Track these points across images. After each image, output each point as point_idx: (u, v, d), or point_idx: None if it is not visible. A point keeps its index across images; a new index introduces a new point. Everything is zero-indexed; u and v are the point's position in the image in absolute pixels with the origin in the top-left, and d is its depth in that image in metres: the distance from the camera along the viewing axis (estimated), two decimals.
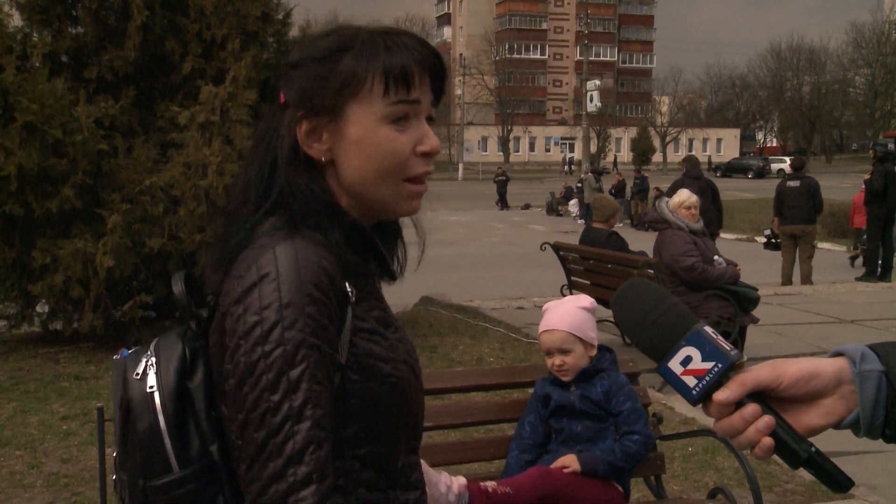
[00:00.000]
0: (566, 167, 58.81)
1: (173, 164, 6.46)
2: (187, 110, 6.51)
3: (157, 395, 1.08)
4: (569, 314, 2.69)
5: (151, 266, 6.47)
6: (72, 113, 6.33)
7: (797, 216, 11.34)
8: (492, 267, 14.18)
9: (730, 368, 0.93)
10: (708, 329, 0.95)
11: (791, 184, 11.44)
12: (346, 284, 1.08)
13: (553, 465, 2.55)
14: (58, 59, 6.88)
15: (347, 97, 1.11)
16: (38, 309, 6.99)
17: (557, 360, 2.67)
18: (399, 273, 1.28)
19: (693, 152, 75.60)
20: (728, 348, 0.93)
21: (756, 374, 0.94)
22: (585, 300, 2.76)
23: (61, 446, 4.61)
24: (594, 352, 2.71)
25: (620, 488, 2.63)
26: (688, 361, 0.94)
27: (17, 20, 6.97)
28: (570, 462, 2.54)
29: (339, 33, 1.15)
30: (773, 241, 11.35)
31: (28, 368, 6.36)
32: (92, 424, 4.85)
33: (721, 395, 0.92)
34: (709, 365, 0.93)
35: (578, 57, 72.48)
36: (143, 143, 6.64)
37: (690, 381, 0.93)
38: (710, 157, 58.75)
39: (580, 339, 2.67)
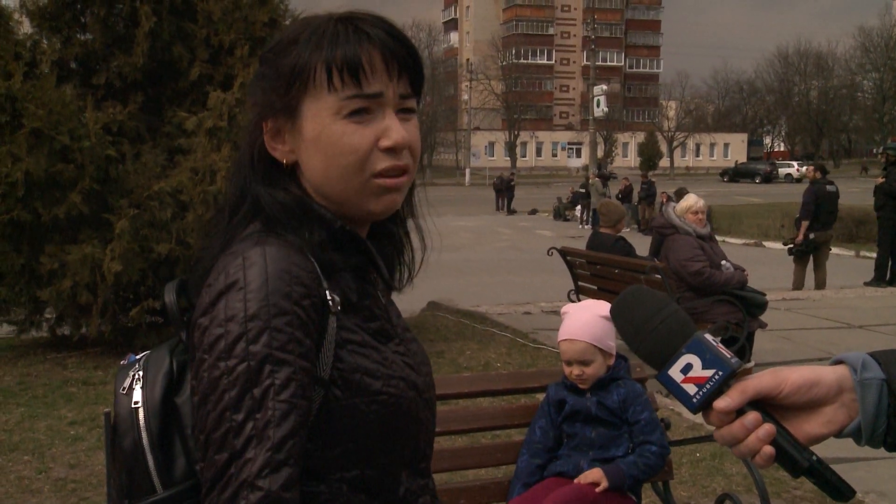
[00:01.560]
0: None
1: (181, 170, 6.48)
2: (195, 116, 6.54)
3: (141, 412, 1.03)
4: (590, 324, 2.66)
5: (159, 271, 6.48)
6: (80, 119, 6.36)
7: (831, 221, 11.27)
8: (499, 272, 14.16)
9: (731, 376, 0.92)
10: (708, 336, 0.94)
11: (830, 188, 11.25)
12: (328, 293, 1.01)
13: (581, 481, 2.53)
14: (66, 66, 6.92)
15: (299, 93, 1.05)
16: (46, 314, 7.02)
17: (577, 370, 2.65)
18: (402, 283, 1.22)
19: (700, 157, 75.89)
20: (728, 356, 0.93)
21: (757, 382, 0.93)
22: (605, 308, 2.72)
23: (69, 451, 4.62)
24: (612, 361, 2.69)
25: (634, 497, 2.62)
26: (688, 369, 0.93)
27: (26, 27, 7.02)
28: (598, 478, 2.51)
29: (301, 23, 1.09)
30: (805, 247, 11.04)
31: (36, 374, 6.38)
32: (99, 430, 4.86)
33: (721, 403, 0.91)
34: (709, 373, 0.92)
35: (585, 62, 72.32)
36: (151, 148, 6.67)
37: (691, 388, 0.92)
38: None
39: (601, 349, 2.65)
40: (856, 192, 26.20)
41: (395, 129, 1.06)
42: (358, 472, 1.03)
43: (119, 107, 6.61)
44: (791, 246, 11.31)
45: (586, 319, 2.67)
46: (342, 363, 1.01)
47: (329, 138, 1.05)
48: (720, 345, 0.94)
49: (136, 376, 1.06)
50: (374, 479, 1.05)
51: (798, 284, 11.37)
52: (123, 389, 1.05)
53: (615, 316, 1.01)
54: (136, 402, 1.03)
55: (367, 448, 1.04)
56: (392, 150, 1.06)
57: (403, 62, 1.07)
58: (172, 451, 1.03)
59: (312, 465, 1.00)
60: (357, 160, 1.05)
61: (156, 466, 1.02)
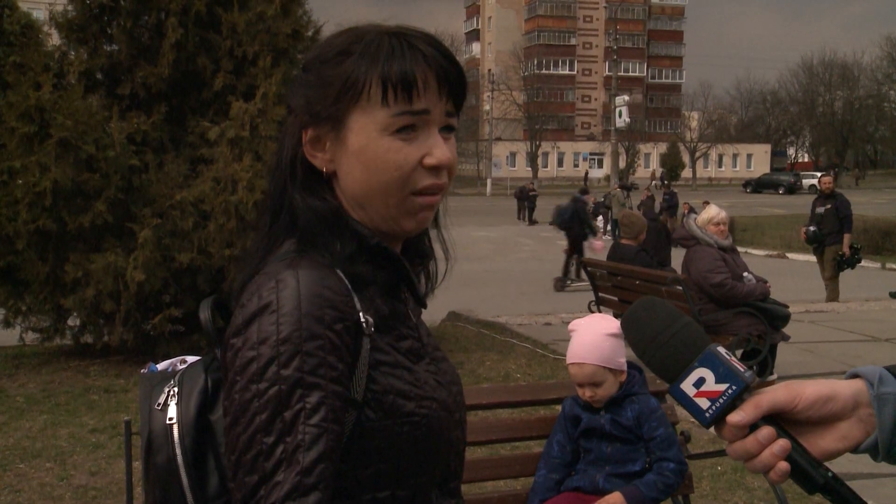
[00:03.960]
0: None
1: (203, 180, 6.54)
2: (217, 126, 6.61)
3: (175, 428, 1.04)
4: (597, 345, 2.61)
5: (181, 280, 6.54)
6: (105, 129, 6.44)
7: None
8: (519, 283, 14.13)
9: (744, 390, 0.90)
10: (721, 350, 0.92)
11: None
12: (361, 315, 1.01)
13: None
14: (93, 77, 7.01)
15: (348, 105, 1.05)
16: (70, 322, 7.10)
17: (588, 391, 2.62)
18: (429, 296, 1.22)
19: (723, 168, 75.35)
20: (742, 370, 0.91)
21: (771, 397, 0.91)
22: (612, 324, 2.68)
23: (90, 459, 4.66)
24: (624, 377, 2.65)
25: None
26: (701, 383, 0.91)
27: (55, 39, 7.13)
28: (618, 502, 2.49)
29: (350, 33, 1.09)
30: (855, 256, 10.84)
31: (59, 381, 6.45)
32: (121, 438, 4.90)
33: (735, 418, 0.90)
34: (722, 387, 0.90)
35: (607, 72, 72.14)
36: (174, 158, 6.74)
37: (703, 403, 0.91)
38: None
39: (610, 369, 2.62)
40: (882, 204, 25.88)
41: (440, 148, 1.06)
42: (389, 493, 1.03)
43: (143, 117, 6.69)
44: (843, 259, 10.96)
45: (592, 340, 2.62)
46: (375, 385, 1.01)
47: (374, 153, 1.05)
48: (734, 358, 0.92)
49: (171, 392, 1.07)
50: (406, 499, 1.05)
51: (835, 296, 11.16)
52: (158, 405, 1.06)
53: (626, 328, 0.99)
54: (170, 419, 1.05)
55: (399, 468, 1.04)
56: (435, 169, 1.07)
57: (452, 81, 1.08)
58: (206, 469, 1.04)
59: (344, 486, 1.00)
60: (400, 177, 1.05)
61: (189, 484, 1.03)
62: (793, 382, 0.93)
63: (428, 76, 1.06)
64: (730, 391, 0.90)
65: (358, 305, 1.01)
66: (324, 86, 1.07)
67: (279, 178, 1.11)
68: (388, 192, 1.06)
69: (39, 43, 6.71)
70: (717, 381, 0.91)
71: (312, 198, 1.07)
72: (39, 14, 7.20)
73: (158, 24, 6.83)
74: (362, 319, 1.01)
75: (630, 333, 0.99)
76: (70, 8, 7.06)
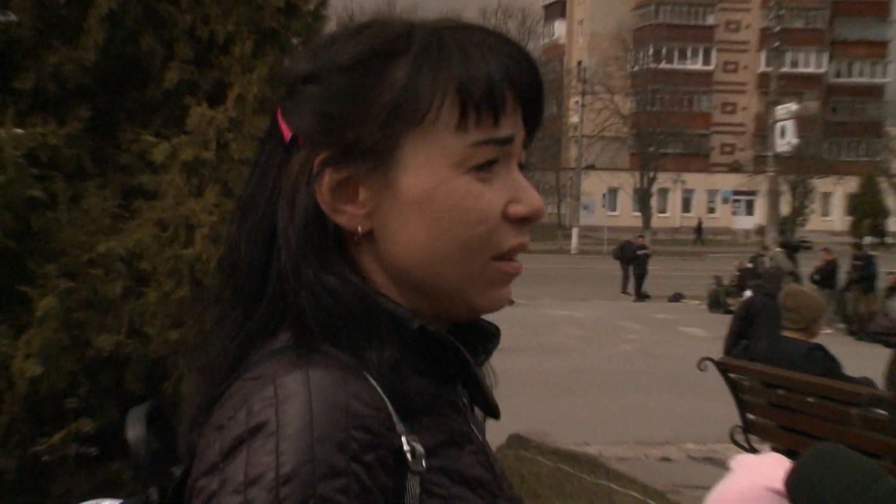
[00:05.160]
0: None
1: (141, 223, 6.58)
2: (167, 142, 6.66)
3: None
4: None
5: (98, 376, 6.55)
6: None
7: None
8: (620, 391, 14.08)
9: None
10: None
11: None
12: (404, 439, 1.03)
13: None
14: None
15: (401, 131, 1.10)
16: None
17: None
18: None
19: None
20: None
21: None
22: (777, 476, 2.61)
23: None
24: None
25: None
26: None
27: None
28: None
29: (380, 28, 1.15)
30: None
31: None
32: None
33: None
34: None
35: (764, 67, 72.09)
36: (98, 188, 6.81)
37: None
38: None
39: None
40: None
41: (530, 191, 1.15)
42: None
43: (53, 124, 6.80)
44: None
45: (744, 495, 2.57)
46: None
47: (448, 200, 1.10)
48: None
49: None
50: None
51: None
52: None
53: (794, 491, 0.96)
54: None
55: None
56: (523, 223, 1.15)
57: (534, 97, 1.16)
58: None
59: None
60: (485, 233, 1.12)
61: None
62: None
63: (507, 90, 1.12)
64: None
65: (400, 426, 1.04)
66: (359, 103, 1.11)
67: (261, 237, 1.13)
68: (465, 256, 1.12)
69: None
70: None
71: (329, 275, 1.10)
72: None
73: None
74: (406, 447, 1.03)
75: (799, 498, 0.99)
76: None
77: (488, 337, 1.25)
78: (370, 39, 1.14)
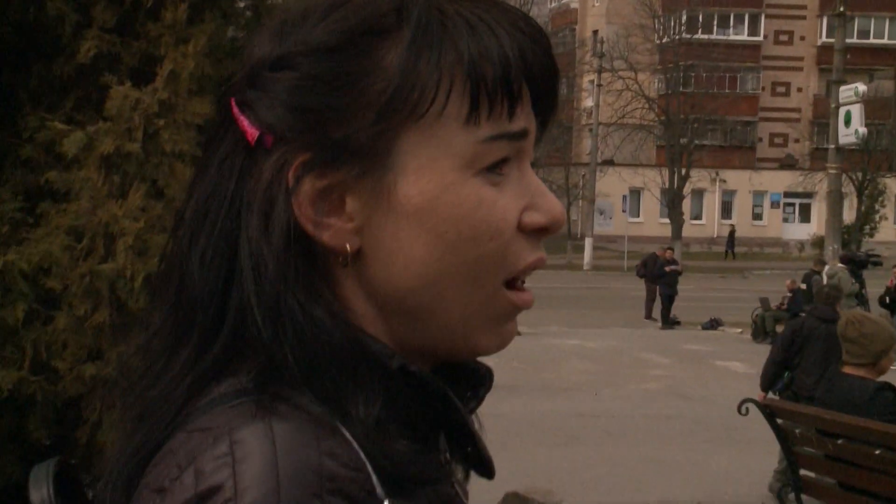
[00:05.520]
0: None
1: (50, 231, 6.57)
2: (81, 130, 6.64)
3: None
4: None
5: None
6: None
7: None
8: (641, 441, 14.05)
9: None
10: None
11: None
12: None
13: None
14: None
15: (398, 126, 1.10)
16: None
17: None
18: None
19: None
20: None
21: None
22: None
23: None
24: None
25: None
26: None
27: None
28: None
29: (360, 1, 1.14)
30: None
31: None
32: None
33: None
34: None
35: (824, 38, 72.24)
36: None
37: None
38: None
39: None
40: None
41: (549, 196, 1.16)
42: None
43: None
44: None
45: None
46: None
47: (456, 209, 1.10)
48: None
49: None
50: None
51: None
52: None
53: None
54: None
55: None
56: (542, 232, 1.16)
57: (548, 83, 1.16)
58: None
59: None
60: (498, 250, 1.12)
61: None
62: None
63: (522, 74, 1.12)
64: None
65: (380, 489, 1.04)
66: (344, 91, 1.10)
67: (219, 260, 1.12)
68: (474, 282, 1.12)
69: None
70: None
71: (318, 307, 1.09)
72: None
73: None
74: None
75: None
76: None
77: (478, 380, 1.26)
78: (353, 14, 1.12)
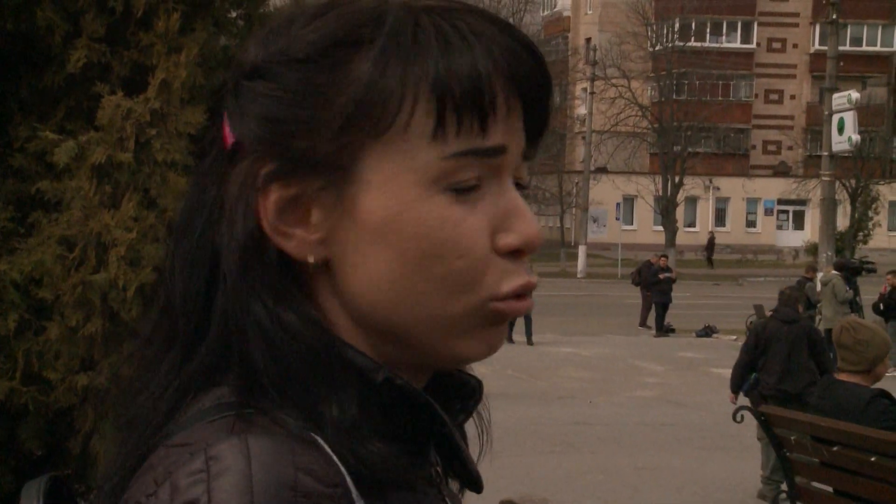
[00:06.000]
0: None
1: (42, 240, 6.55)
2: (72, 140, 6.63)
3: None
4: None
5: None
6: None
7: None
8: (637, 448, 14.08)
9: None
10: None
11: None
12: None
13: None
14: None
15: (363, 140, 1.09)
16: None
17: None
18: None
19: None
20: None
21: None
22: None
23: None
24: None
25: None
26: None
27: None
28: None
29: (347, 8, 1.13)
30: None
31: None
32: None
33: None
34: None
35: (817, 46, 72.26)
36: None
37: None
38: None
39: None
40: None
41: (525, 217, 1.13)
42: None
43: None
44: None
45: None
46: None
47: (418, 227, 1.09)
48: None
49: None
50: None
51: None
52: None
53: None
54: None
55: None
56: (519, 254, 1.13)
57: (537, 94, 1.14)
58: None
59: None
60: (468, 269, 1.10)
61: None
62: None
63: (499, 87, 1.10)
64: None
65: (360, 503, 1.04)
66: (314, 104, 1.10)
67: (200, 267, 1.13)
68: (445, 299, 1.10)
69: None
70: None
71: (288, 311, 1.09)
72: None
73: None
74: None
75: None
76: None
77: (469, 392, 1.25)
78: (333, 23, 1.12)
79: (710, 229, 70.57)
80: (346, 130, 1.08)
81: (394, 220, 1.08)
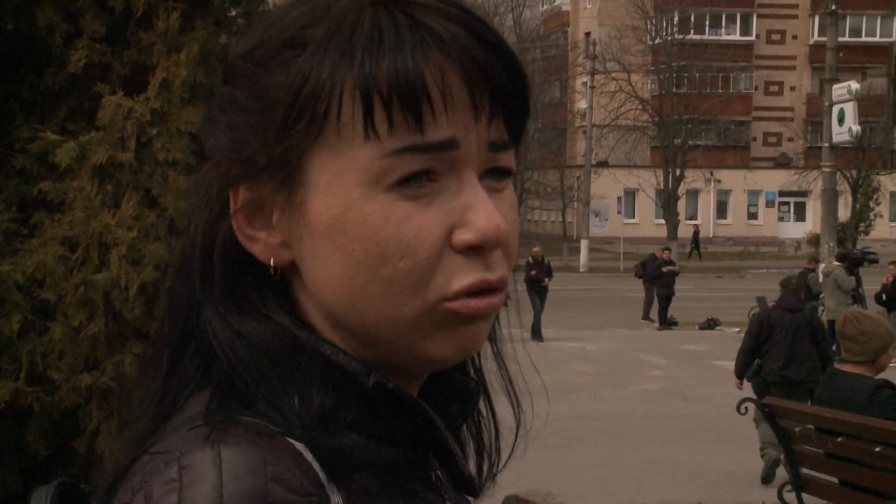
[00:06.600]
0: None
1: (44, 241, 6.54)
2: (73, 140, 6.62)
3: None
4: None
5: None
6: None
7: None
8: (641, 442, 14.08)
9: None
10: None
11: None
12: None
13: None
14: None
15: (305, 139, 1.09)
16: None
17: None
18: (482, 477, 1.28)
19: None
20: None
21: None
22: None
23: None
24: None
25: None
26: None
27: None
28: None
29: (309, 5, 1.13)
30: None
31: None
32: None
33: None
34: None
35: (817, 37, 72.05)
36: None
37: None
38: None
39: None
40: None
41: (483, 209, 1.09)
42: None
43: None
44: None
45: None
46: None
47: (359, 227, 1.07)
48: None
49: None
50: None
51: None
52: None
53: None
54: None
55: None
56: (479, 250, 1.09)
57: (499, 85, 1.10)
58: None
59: None
60: (415, 269, 1.08)
61: None
62: None
63: (449, 78, 1.07)
64: None
65: None
66: (262, 107, 1.10)
67: (184, 281, 1.14)
68: (392, 300, 1.08)
69: None
70: None
71: (243, 318, 1.09)
72: None
73: None
74: None
75: None
76: None
77: (466, 394, 1.24)
78: (286, 23, 1.12)
79: (696, 223, 70.38)
80: (288, 131, 1.08)
81: (339, 220, 1.08)
